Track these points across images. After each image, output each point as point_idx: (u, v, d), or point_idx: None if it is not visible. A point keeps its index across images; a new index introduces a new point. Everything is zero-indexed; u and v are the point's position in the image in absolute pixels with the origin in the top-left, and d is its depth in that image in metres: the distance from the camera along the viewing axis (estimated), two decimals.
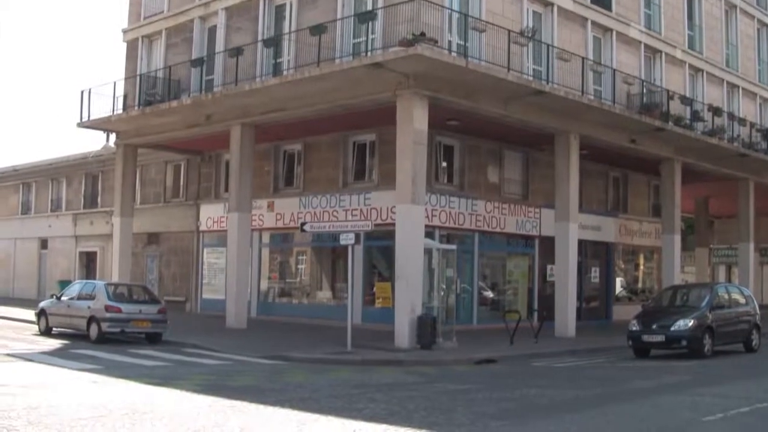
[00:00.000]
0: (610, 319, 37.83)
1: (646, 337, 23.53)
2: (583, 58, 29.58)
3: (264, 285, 35.69)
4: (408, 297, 23.97)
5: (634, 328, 23.86)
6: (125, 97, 34.11)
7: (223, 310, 31.00)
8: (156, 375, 17.17)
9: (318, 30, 25.99)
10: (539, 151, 33.32)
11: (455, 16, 26.15)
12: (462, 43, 26.02)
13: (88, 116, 34.01)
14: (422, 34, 23.15)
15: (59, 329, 27.20)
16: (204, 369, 19.04)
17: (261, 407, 13.04)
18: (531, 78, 27.67)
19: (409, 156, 24.44)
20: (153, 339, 25.38)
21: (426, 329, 23.53)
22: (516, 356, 23.14)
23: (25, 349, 22.36)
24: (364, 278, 30.83)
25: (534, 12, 29.73)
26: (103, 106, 33.63)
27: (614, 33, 33.14)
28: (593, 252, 38.02)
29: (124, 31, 37.11)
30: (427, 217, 27.13)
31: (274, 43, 29.32)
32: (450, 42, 25.97)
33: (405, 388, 16.36)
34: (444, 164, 31.52)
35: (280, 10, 30.32)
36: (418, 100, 24.52)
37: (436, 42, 23.85)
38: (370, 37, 26.43)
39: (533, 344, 25.45)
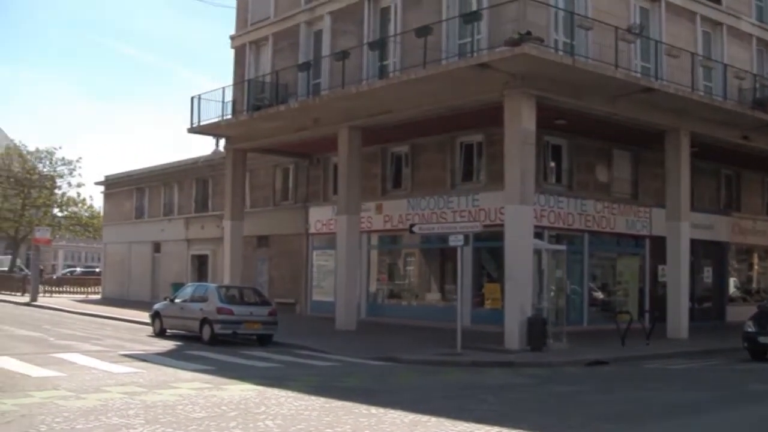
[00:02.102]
0: (724, 320, 36.97)
1: (762, 339, 22.80)
2: (692, 54, 29.03)
3: (373, 287, 35.86)
4: (517, 298, 23.81)
5: (749, 330, 23.20)
6: (234, 102, 34.72)
7: (332, 312, 31.28)
8: (267, 376, 17.40)
9: (423, 31, 26.05)
10: (648, 149, 32.72)
11: (561, 14, 25.92)
12: (568, 41, 25.82)
13: (198, 122, 34.75)
14: (528, 33, 23.05)
15: (173, 331, 27.80)
16: (314, 370, 19.22)
17: (372, 408, 13.11)
18: (639, 75, 27.25)
19: (517, 156, 24.29)
20: (264, 340, 25.68)
21: (536, 330, 23.33)
22: (627, 358, 22.79)
23: (140, 350, 22.90)
24: (473, 279, 30.70)
25: (641, 8, 29.22)
26: (213, 112, 34.42)
27: (725, 27, 32.38)
28: (705, 252, 37.19)
29: (232, 38, 37.76)
30: (536, 217, 26.92)
31: (379, 45, 29.47)
32: (556, 40, 25.77)
33: (516, 389, 16.27)
34: (552, 164, 31.24)
35: (385, 13, 30.46)
36: (526, 100, 24.35)
37: (543, 41, 23.69)
38: (476, 37, 26.37)
39: (645, 346, 25.00)
